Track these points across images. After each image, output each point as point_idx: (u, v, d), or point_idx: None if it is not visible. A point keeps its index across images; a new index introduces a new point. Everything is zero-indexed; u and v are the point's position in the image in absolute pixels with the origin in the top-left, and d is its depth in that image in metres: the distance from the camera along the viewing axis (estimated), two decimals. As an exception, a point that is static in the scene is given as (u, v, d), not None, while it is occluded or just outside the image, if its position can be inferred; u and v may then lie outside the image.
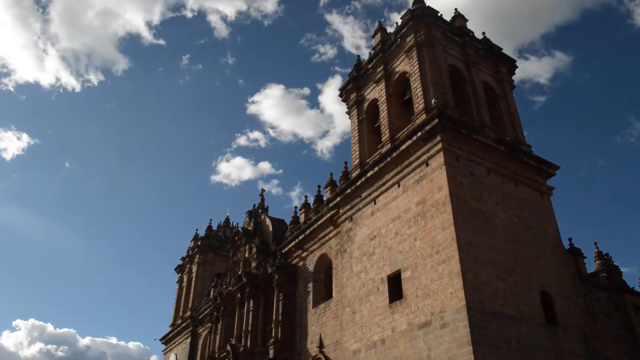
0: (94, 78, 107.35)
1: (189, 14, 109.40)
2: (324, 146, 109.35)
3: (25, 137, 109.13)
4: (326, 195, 27.53)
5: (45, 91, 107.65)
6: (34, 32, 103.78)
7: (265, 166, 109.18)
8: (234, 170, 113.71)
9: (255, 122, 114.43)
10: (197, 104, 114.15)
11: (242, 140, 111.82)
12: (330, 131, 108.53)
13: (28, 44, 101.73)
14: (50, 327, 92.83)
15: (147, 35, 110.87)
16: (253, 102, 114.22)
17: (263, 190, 35.89)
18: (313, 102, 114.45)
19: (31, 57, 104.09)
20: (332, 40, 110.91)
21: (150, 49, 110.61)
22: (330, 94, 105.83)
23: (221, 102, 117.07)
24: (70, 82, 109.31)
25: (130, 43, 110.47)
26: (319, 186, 30.07)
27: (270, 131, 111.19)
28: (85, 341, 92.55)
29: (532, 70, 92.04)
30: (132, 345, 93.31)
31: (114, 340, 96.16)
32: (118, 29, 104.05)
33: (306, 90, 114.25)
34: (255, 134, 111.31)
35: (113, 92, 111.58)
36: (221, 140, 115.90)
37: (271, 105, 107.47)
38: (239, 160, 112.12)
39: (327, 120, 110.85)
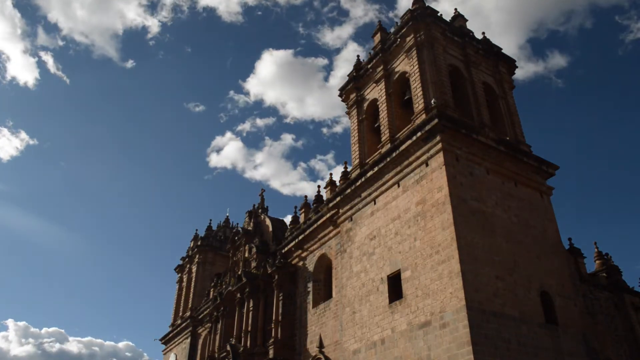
0: (90, 74, 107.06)
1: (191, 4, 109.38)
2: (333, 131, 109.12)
3: (23, 134, 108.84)
4: (326, 195, 27.55)
5: (38, 88, 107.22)
6: (29, 26, 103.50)
7: (265, 151, 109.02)
8: (232, 159, 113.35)
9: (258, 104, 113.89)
10: (193, 92, 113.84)
11: (246, 126, 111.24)
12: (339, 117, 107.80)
13: (21, 39, 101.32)
14: (43, 327, 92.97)
15: (150, 27, 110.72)
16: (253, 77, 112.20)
17: (263, 191, 36.02)
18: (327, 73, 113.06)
19: (26, 52, 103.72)
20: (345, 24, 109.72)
21: (150, 43, 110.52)
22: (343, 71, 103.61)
23: (218, 87, 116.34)
24: (63, 76, 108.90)
25: (129, 38, 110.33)
26: (318, 186, 30.51)
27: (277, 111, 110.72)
28: (76, 341, 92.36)
29: (535, 69, 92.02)
30: (122, 345, 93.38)
31: (105, 340, 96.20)
32: (116, 22, 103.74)
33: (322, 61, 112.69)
34: (259, 121, 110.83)
35: (111, 89, 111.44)
36: (217, 128, 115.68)
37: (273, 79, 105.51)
38: (239, 148, 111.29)
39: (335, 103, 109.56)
